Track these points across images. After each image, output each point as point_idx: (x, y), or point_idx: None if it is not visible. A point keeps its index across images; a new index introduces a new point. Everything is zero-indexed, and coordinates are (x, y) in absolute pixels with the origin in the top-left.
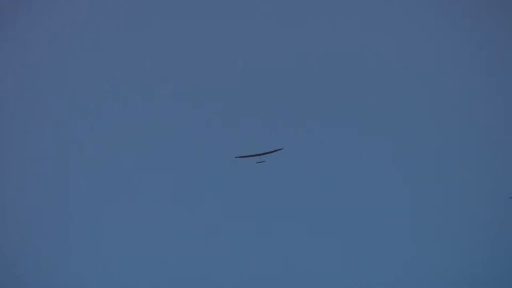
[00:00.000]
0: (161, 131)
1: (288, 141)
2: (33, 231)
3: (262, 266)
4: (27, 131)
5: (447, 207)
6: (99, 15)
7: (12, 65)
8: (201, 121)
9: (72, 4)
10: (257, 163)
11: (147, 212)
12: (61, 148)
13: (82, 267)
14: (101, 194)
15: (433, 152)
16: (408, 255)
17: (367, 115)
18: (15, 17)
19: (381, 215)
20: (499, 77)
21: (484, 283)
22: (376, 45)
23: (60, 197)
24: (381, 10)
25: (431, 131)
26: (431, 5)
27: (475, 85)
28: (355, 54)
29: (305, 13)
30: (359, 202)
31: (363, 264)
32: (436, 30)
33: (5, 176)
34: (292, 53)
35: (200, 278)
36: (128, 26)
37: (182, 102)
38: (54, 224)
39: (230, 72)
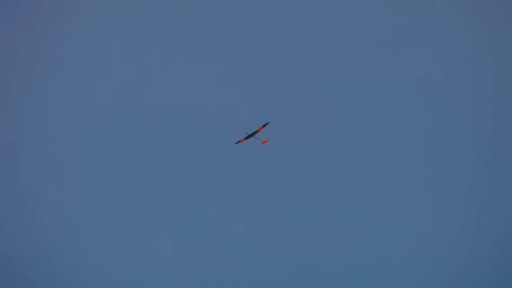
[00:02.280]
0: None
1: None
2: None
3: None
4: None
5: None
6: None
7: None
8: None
9: None
10: (261, 144)
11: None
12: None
13: (79, 266)
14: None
15: (431, 149)
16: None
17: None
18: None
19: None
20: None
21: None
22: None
23: (54, 198)
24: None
25: (427, 126)
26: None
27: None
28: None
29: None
30: (356, 195)
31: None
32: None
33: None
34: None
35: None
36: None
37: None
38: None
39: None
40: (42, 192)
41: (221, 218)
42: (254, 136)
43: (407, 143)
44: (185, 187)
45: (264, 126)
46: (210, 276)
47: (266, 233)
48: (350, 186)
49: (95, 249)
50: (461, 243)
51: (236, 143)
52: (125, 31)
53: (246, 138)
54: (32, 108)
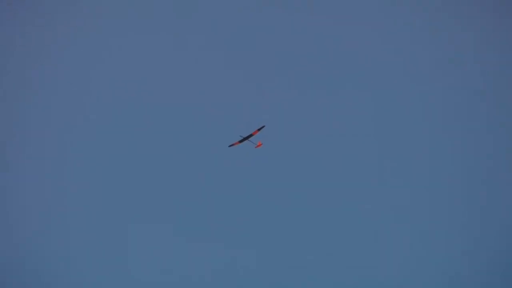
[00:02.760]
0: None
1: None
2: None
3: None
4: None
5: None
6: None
7: None
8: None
9: None
10: (256, 147)
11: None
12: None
13: (81, 264)
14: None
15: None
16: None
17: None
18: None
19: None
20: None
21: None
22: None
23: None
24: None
25: (429, 127)
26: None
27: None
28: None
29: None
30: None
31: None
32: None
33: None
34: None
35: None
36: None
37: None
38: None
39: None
40: (42, 192)
41: (217, 218)
42: (249, 139)
43: (405, 145)
44: (181, 187)
45: (259, 129)
46: (209, 279)
47: (261, 233)
48: (349, 187)
49: (89, 249)
50: (461, 245)
51: (229, 146)
52: (125, 33)
53: (240, 141)
54: (29, 108)
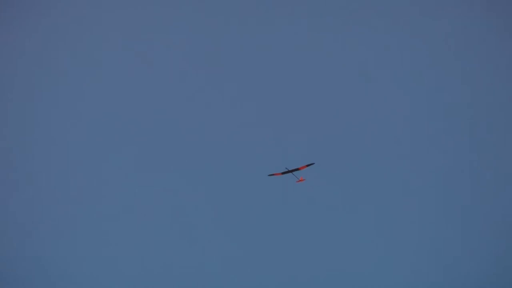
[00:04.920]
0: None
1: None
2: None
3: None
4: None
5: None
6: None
7: None
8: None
9: None
10: (297, 182)
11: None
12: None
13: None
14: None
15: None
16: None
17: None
18: None
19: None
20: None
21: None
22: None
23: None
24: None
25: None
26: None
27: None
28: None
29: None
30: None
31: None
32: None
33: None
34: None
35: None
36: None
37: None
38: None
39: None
40: (42, 193)
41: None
42: (293, 173)
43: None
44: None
45: (308, 165)
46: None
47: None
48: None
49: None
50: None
51: (269, 175)
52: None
53: (283, 173)
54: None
